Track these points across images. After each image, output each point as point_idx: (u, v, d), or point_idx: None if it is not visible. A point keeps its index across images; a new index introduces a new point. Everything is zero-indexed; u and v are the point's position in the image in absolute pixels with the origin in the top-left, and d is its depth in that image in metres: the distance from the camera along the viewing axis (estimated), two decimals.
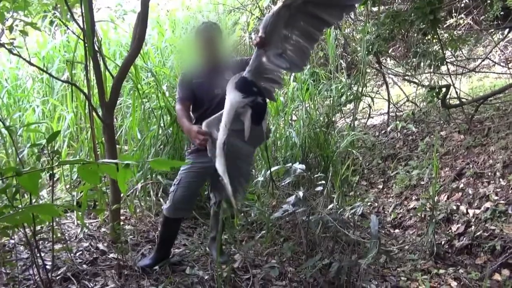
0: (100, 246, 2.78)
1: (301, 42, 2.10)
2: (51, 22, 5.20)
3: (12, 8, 2.82)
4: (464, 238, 3.05)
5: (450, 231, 3.19)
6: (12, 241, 2.48)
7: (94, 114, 2.71)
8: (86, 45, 2.47)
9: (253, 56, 2.10)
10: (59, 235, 2.72)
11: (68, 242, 2.75)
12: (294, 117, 4.36)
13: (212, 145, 2.06)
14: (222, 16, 5.98)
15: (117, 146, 3.22)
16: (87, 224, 3.01)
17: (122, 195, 2.95)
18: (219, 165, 1.93)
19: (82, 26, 2.52)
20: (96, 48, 2.62)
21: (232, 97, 2.00)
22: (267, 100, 2.19)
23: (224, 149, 1.96)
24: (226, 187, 1.92)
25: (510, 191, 3.19)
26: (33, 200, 2.49)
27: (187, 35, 5.17)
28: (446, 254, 3.01)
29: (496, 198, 3.21)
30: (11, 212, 1.97)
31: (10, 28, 2.68)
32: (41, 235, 2.66)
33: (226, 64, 2.51)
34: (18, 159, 2.36)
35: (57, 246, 2.59)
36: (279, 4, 1.99)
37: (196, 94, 2.49)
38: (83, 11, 2.43)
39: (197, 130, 2.17)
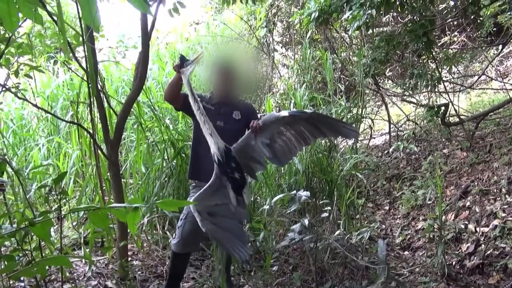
0: (109, 283, 2.77)
1: (292, 141, 2.30)
2: (55, 62, 5.34)
3: (17, 53, 2.92)
4: (475, 258, 3.02)
5: (460, 250, 3.16)
6: (22, 284, 2.48)
7: (99, 151, 2.75)
8: (90, 85, 2.53)
9: (244, 136, 2.30)
10: (67, 274, 2.72)
11: (77, 281, 2.74)
12: None
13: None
14: (220, 47, 6.10)
15: (123, 180, 3.26)
16: (95, 262, 3.01)
17: (129, 231, 2.96)
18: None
19: (85, 67, 2.60)
20: (100, 88, 2.69)
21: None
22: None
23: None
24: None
25: None
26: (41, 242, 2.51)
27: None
28: (458, 274, 2.97)
29: (504, 215, 3.19)
30: (20, 255, 2.00)
31: (16, 73, 2.75)
32: (50, 276, 2.67)
33: (237, 103, 2.66)
34: (27, 202, 2.39)
35: (66, 286, 2.58)
36: (285, 112, 2.20)
37: None
38: (86, 54, 2.51)
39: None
